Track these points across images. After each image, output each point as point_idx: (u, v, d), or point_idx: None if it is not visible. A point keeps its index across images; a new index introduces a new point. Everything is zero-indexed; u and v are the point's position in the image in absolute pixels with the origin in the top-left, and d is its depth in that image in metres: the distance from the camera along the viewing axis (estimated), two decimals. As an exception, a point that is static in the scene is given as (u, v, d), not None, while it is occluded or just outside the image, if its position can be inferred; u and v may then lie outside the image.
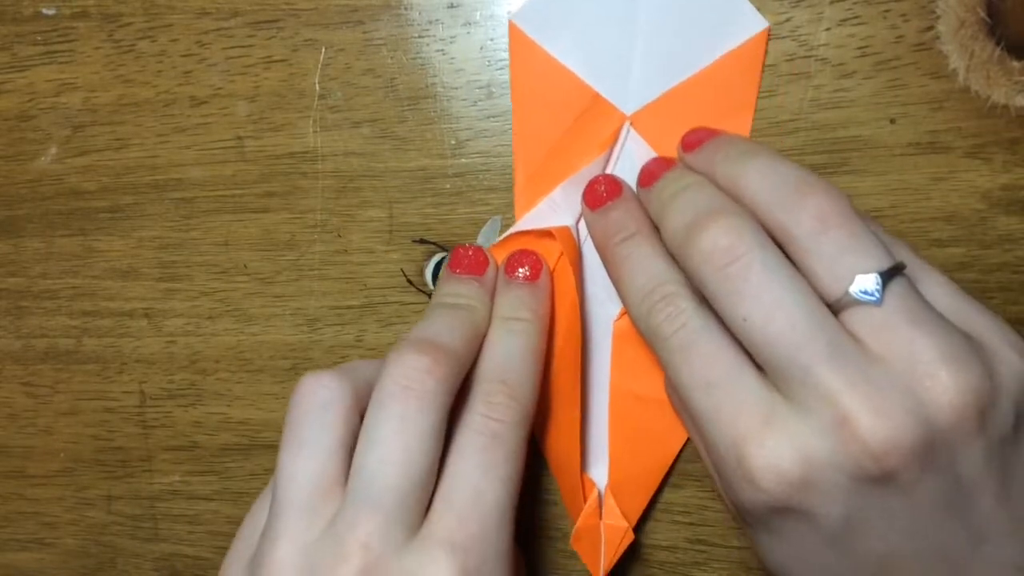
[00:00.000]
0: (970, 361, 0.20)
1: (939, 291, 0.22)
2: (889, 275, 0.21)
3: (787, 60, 0.27)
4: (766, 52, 0.27)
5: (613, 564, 0.29)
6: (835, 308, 0.21)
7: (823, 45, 0.27)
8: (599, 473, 0.30)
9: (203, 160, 0.31)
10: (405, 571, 0.22)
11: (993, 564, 0.21)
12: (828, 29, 0.27)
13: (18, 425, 0.34)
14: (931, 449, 0.20)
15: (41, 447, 0.34)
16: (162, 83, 0.31)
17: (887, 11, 0.26)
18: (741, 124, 0.27)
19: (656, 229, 0.26)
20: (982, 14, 0.26)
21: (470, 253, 0.28)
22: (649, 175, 0.26)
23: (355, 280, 0.31)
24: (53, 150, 0.32)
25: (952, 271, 0.28)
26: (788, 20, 0.27)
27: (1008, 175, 0.27)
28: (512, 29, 0.28)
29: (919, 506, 0.20)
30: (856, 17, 0.26)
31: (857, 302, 0.21)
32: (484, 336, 0.26)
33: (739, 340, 0.22)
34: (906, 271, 0.21)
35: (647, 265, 0.25)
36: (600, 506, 0.29)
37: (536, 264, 0.28)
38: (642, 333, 0.24)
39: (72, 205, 0.32)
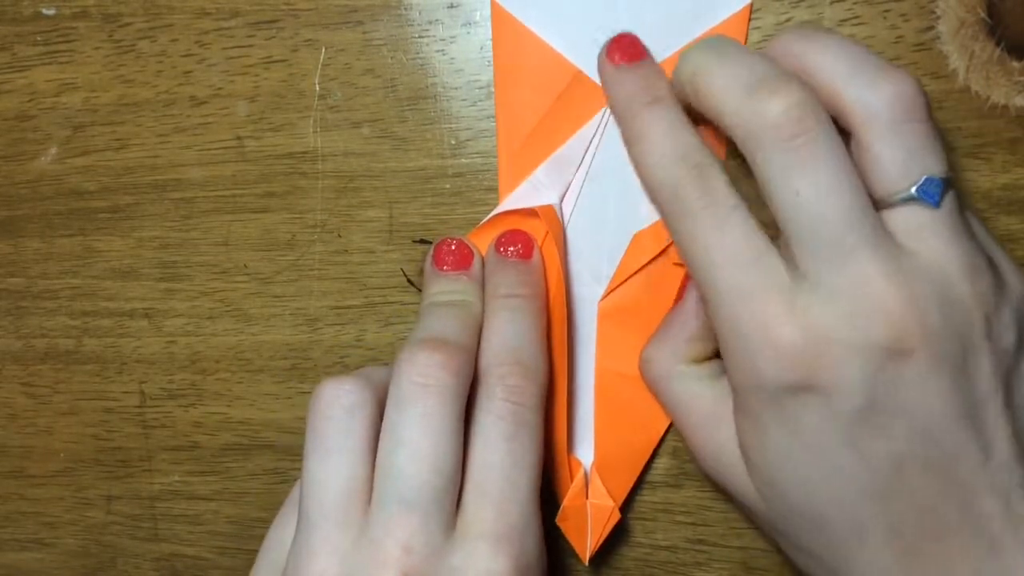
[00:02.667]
0: (989, 273, 0.21)
1: (967, 216, 0.23)
2: (948, 184, 0.21)
3: (787, 60, 0.27)
4: (748, 28, 0.27)
5: (600, 543, 0.29)
6: (890, 201, 0.21)
7: (823, 45, 0.27)
8: (585, 453, 0.30)
9: (203, 160, 0.31)
10: (452, 570, 0.22)
11: (998, 484, 0.21)
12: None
13: (18, 425, 0.34)
14: (951, 339, 0.21)
15: (41, 447, 0.34)
16: (162, 83, 0.31)
17: (887, 11, 0.26)
18: None
19: None
20: (982, 14, 0.26)
21: (453, 247, 0.28)
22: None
23: (355, 280, 0.31)
24: (53, 150, 0.32)
25: (952, 271, 0.28)
26: (788, 20, 0.27)
27: (1008, 175, 0.27)
28: (494, 6, 0.28)
29: (934, 404, 0.21)
30: (856, 17, 0.26)
31: (915, 200, 0.21)
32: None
33: (781, 218, 0.22)
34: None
35: (679, 131, 0.24)
36: (586, 486, 0.29)
37: (528, 243, 0.28)
38: (663, 202, 0.24)
39: (72, 205, 0.32)
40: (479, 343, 0.26)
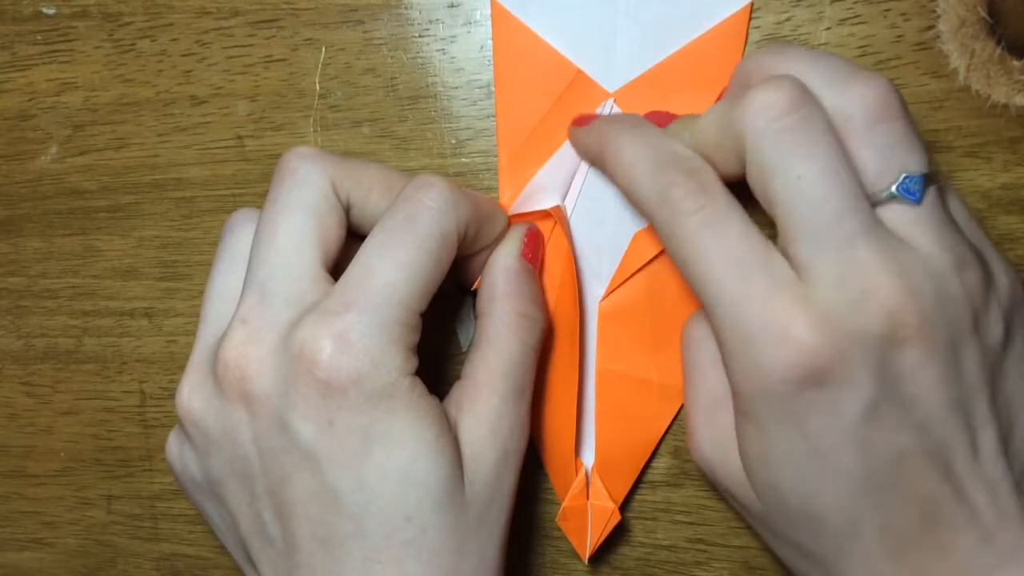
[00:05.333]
0: (977, 267, 0.21)
1: (954, 205, 0.23)
2: (929, 179, 0.21)
3: (787, 59, 0.27)
4: (748, 28, 0.27)
5: (599, 544, 0.29)
6: (875, 200, 0.21)
7: (823, 44, 0.27)
8: (586, 454, 0.30)
9: (203, 159, 0.31)
10: (291, 340, 0.23)
11: (987, 475, 0.22)
12: (828, 28, 0.27)
13: (18, 425, 0.34)
14: (944, 329, 0.21)
15: (41, 447, 0.34)
16: (162, 82, 0.31)
17: (887, 10, 0.26)
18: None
19: None
20: (983, 13, 0.26)
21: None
22: (658, 119, 0.26)
23: (355, 280, 0.31)
24: (53, 149, 0.32)
25: (952, 270, 0.28)
26: (788, 19, 0.27)
27: (1008, 174, 0.27)
28: (495, 6, 0.28)
29: (929, 394, 0.21)
30: (856, 16, 0.27)
31: (896, 198, 0.21)
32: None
33: (780, 206, 0.21)
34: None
35: (662, 144, 0.24)
36: (587, 486, 0.29)
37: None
38: (654, 211, 0.23)
39: (72, 205, 0.32)
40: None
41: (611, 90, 0.28)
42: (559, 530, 0.30)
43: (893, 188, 0.21)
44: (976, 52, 0.26)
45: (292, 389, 0.22)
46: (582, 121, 0.27)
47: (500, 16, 0.28)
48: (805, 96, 0.21)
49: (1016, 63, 0.26)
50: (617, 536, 0.31)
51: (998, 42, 0.26)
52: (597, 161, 0.26)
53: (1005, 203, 0.27)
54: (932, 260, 0.21)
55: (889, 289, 0.20)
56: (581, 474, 0.29)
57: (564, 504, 0.29)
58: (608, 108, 0.28)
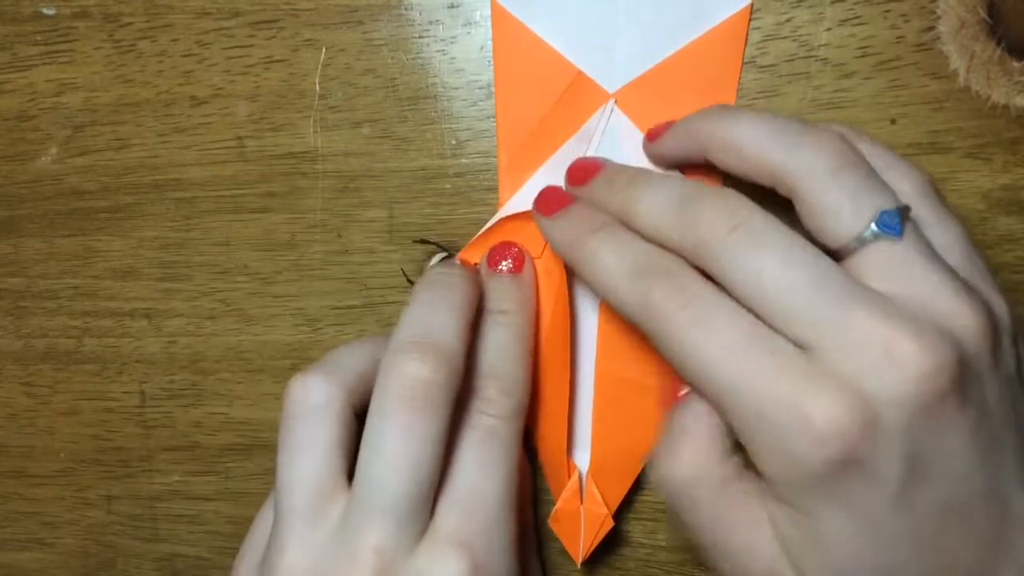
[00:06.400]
0: (978, 296, 0.21)
1: (933, 236, 0.22)
2: (905, 212, 0.21)
3: (787, 60, 0.27)
4: (748, 28, 0.27)
5: (592, 549, 0.29)
6: (851, 247, 0.21)
7: (823, 45, 0.27)
8: (581, 457, 0.30)
9: (203, 160, 0.31)
10: (417, 572, 0.23)
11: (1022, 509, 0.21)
12: (829, 29, 0.27)
13: (18, 425, 0.34)
14: (967, 373, 0.20)
15: (41, 447, 0.34)
16: (162, 83, 0.31)
17: (887, 11, 0.26)
18: (724, 101, 0.27)
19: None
20: (983, 14, 0.26)
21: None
22: (583, 171, 0.26)
23: (355, 280, 0.31)
24: (53, 150, 0.32)
25: (952, 271, 0.28)
26: (789, 20, 0.27)
27: (1008, 175, 0.27)
28: (495, 6, 0.28)
29: (968, 441, 0.20)
30: (857, 17, 0.26)
31: (877, 238, 0.20)
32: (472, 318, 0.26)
33: (758, 304, 0.21)
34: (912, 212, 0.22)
35: (632, 245, 0.23)
36: (581, 489, 0.29)
37: (519, 256, 0.28)
38: (636, 316, 0.22)
39: (72, 205, 0.32)
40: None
41: (611, 90, 0.28)
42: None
43: (873, 227, 0.20)
44: (976, 53, 0.26)
45: None
46: (546, 206, 0.26)
47: (500, 16, 0.28)
48: (744, 202, 0.21)
49: (1016, 64, 0.26)
50: (618, 537, 0.31)
51: (998, 43, 0.26)
52: (569, 262, 0.25)
53: (1005, 204, 0.27)
54: (928, 300, 0.20)
55: (906, 345, 0.19)
56: (575, 477, 0.29)
57: (557, 506, 0.29)
58: (608, 108, 0.28)
